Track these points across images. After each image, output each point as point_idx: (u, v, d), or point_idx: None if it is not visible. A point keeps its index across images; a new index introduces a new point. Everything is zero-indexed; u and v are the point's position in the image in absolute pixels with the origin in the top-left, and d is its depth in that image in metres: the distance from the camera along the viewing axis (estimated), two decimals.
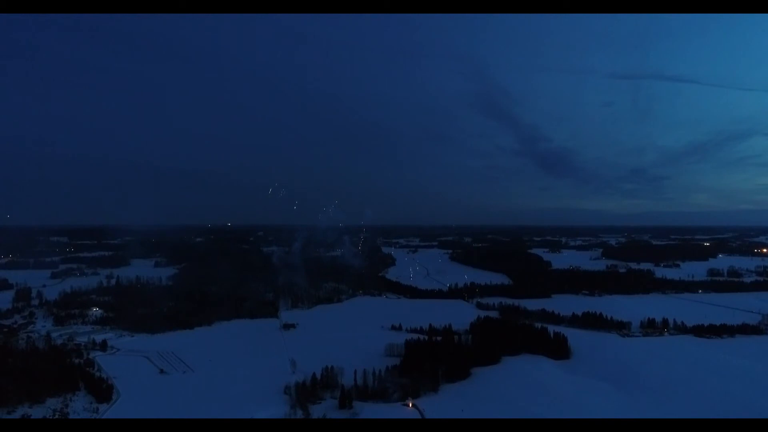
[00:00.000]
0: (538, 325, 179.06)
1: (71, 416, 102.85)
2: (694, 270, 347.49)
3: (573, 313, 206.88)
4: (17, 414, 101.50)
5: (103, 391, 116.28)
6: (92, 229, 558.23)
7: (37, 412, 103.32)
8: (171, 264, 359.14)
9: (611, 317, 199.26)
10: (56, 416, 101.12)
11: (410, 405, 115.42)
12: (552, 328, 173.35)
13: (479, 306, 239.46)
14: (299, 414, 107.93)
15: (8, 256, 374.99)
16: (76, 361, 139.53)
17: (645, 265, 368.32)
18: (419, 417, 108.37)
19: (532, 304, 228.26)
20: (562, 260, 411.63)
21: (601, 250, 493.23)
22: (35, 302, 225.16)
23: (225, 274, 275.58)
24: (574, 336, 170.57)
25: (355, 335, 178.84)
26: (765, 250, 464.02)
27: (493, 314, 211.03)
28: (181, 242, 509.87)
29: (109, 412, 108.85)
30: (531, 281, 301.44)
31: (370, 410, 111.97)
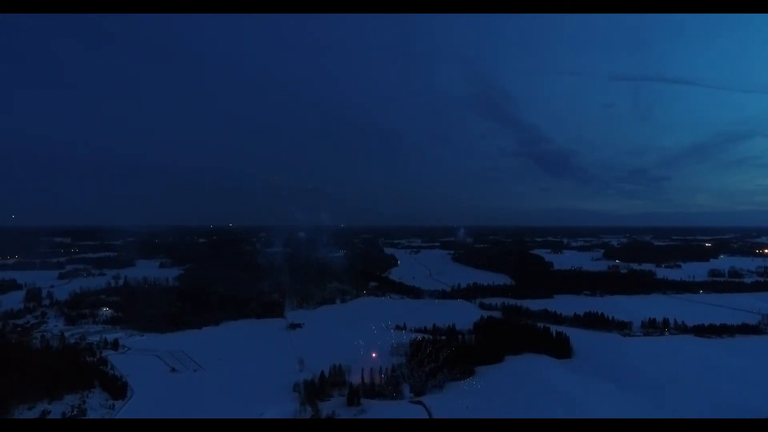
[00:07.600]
0: (541, 325, 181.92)
1: (89, 412, 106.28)
2: (695, 270, 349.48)
3: (575, 313, 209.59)
4: (37, 409, 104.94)
5: (118, 389, 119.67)
6: (94, 229, 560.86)
7: (56, 408, 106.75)
8: (176, 265, 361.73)
9: (613, 317, 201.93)
10: (75, 412, 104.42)
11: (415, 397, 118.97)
12: (554, 328, 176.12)
13: (482, 306, 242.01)
14: (309, 410, 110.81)
15: (15, 256, 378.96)
16: (90, 359, 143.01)
17: (646, 266, 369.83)
18: (426, 415, 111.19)
19: (534, 305, 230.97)
20: (563, 261, 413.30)
21: (602, 250, 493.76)
22: (46, 302, 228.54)
23: (230, 275, 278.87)
24: (576, 336, 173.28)
25: (360, 335, 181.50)
26: (766, 251, 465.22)
27: (496, 314, 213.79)
28: (185, 243, 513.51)
29: (125, 408, 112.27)
30: (533, 282, 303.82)
31: (377, 407, 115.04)
